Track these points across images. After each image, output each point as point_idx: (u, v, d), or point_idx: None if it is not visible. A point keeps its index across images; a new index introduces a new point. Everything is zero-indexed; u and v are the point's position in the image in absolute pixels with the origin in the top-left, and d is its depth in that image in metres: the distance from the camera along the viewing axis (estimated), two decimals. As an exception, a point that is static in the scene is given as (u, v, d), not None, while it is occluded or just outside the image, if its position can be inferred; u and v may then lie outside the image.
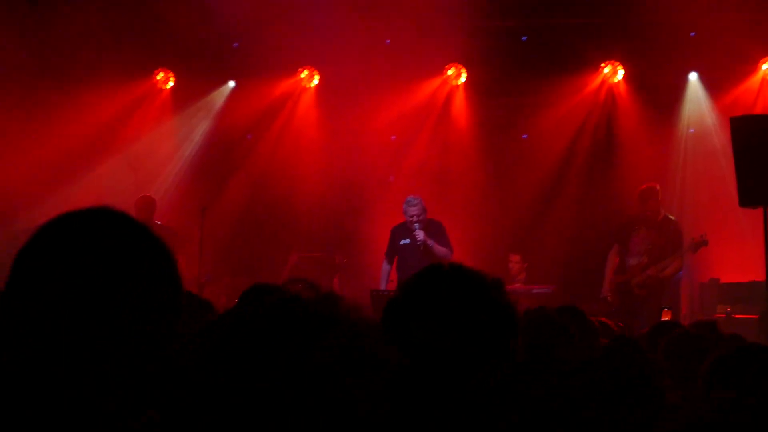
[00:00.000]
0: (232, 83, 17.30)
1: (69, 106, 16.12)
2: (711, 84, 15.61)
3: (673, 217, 14.05)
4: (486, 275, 2.55)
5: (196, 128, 17.34)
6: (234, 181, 17.10)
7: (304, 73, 17.20)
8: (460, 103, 16.89)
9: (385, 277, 13.86)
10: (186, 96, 17.25)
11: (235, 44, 16.80)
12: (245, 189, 17.01)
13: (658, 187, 14.04)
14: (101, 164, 16.66)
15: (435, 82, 16.87)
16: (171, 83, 17.40)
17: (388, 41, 16.33)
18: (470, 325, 2.42)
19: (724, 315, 13.10)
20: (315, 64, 17.11)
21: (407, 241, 13.57)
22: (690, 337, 6.34)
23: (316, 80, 17.24)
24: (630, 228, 13.98)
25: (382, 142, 16.75)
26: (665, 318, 11.10)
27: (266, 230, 16.99)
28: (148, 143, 17.15)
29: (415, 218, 13.44)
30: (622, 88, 16.43)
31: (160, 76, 17.35)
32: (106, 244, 2.00)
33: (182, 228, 15.54)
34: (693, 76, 16.05)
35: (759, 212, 11.75)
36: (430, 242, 13.40)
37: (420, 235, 13.38)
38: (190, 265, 14.79)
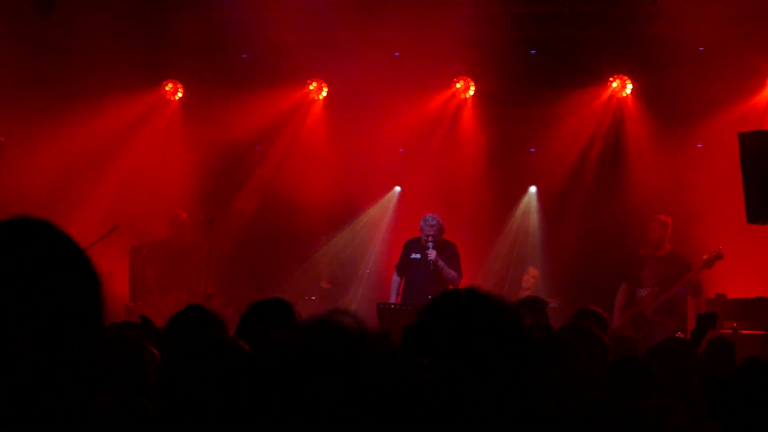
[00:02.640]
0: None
1: (78, 116, 16.16)
2: (719, 98, 15.57)
3: (679, 252, 14.08)
4: (503, 300, 2.56)
5: None
6: (242, 192, 17.11)
7: (313, 85, 17.19)
8: (468, 116, 16.88)
9: (395, 289, 13.82)
10: (194, 107, 17.23)
11: (244, 55, 16.82)
12: (253, 200, 17.02)
13: (666, 221, 14.06)
14: (109, 175, 16.68)
15: (443, 95, 16.86)
16: (180, 94, 17.41)
17: (397, 54, 16.35)
18: (487, 352, 2.43)
19: (730, 330, 13.07)
20: (324, 76, 17.11)
21: (417, 256, 13.54)
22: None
23: (324, 92, 17.24)
24: (639, 263, 14.06)
25: (390, 155, 16.75)
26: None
27: (274, 241, 17.00)
28: (157, 154, 17.14)
29: (430, 238, 13.40)
30: (631, 101, 16.42)
31: (169, 86, 17.36)
32: (22, 253, 1.97)
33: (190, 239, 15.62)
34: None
35: (766, 228, 11.76)
36: (440, 263, 13.35)
37: (432, 254, 13.33)
38: (199, 277, 14.83)
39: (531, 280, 15.54)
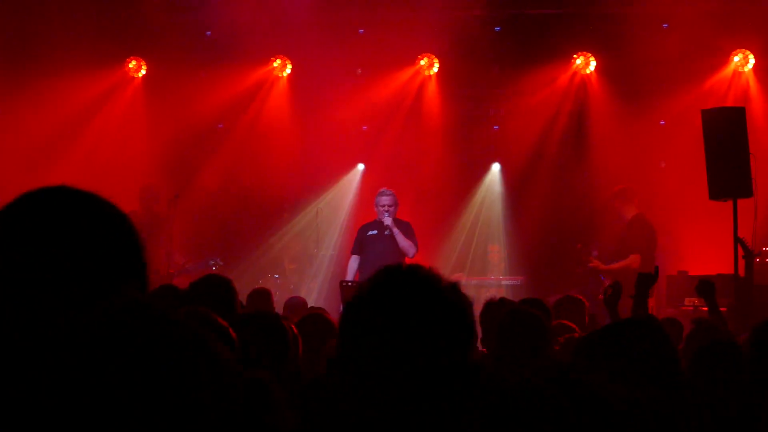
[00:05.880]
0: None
1: (41, 93, 16.05)
2: (683, 76, 15.64)
3: (643, 218, 14.11)
4: (441, 276, 2.55)
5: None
6: (205, 169, 17.03)
7: (277, 62, 17.13)
8: (432, 93, 16.88)
9: (353, 271, 13.93)
10: (158, 84, 17.14)
11: (208, 32, 16.75)
12: (216, 178, 16.95)
13: (615, 191, 14.18)
14: (72, 152, 16.58)
15: (407, 73, 16.85)
16: (143, 71, 17.32)
17: (362, 31, 16.32)
18: (423, 327, 2.43)
19: (691, 308, 13.14)
20: (287, 54, 17.06)
21: (374, 232, 13.70)
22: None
23: (288, 69, 17.18)
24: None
25: (353, 132, 16.74)
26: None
27: (237, 219, 16.95)
28: (120, 131, 17.05)
29: (386, 207, 13.55)
30: (594, 79, 16.47)
31: (132, 64, 17.26)
32: (67, 220, 2.03)
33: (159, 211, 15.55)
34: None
35: (728, 205, 11.83)
36: (395, 230, 13.51)
37: (387, 220, 13.53)
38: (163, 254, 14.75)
39: (496, 255, 15.64)
